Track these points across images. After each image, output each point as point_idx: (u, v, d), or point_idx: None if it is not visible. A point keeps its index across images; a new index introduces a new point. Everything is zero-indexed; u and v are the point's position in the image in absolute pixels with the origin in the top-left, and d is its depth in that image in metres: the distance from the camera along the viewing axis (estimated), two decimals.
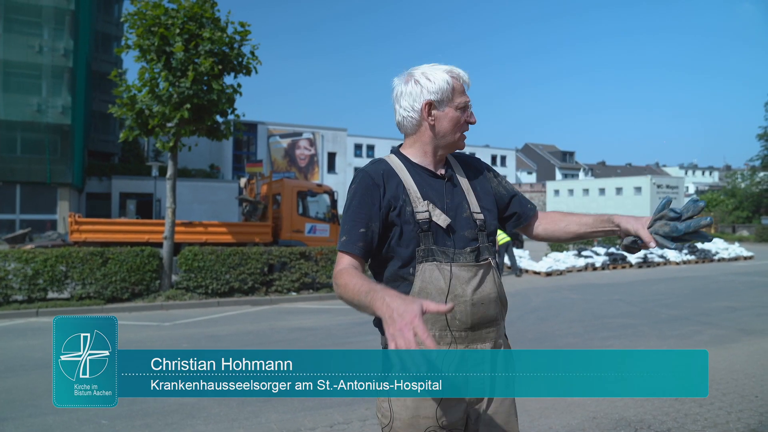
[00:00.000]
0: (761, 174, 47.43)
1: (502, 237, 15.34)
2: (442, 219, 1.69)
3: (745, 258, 20.98)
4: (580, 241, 20.16)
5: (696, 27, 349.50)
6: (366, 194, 1.69)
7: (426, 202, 1.70)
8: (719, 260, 20.13)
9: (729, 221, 44.05)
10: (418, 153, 1.78)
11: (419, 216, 1.67)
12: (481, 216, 1.76)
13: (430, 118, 1.72)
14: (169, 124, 10.26)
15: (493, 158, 73.41)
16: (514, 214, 1.90)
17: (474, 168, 1.88)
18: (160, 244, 11.40)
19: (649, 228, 1.63)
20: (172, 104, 9.92)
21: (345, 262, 1.64)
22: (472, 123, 1.77)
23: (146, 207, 29.90)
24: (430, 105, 1.71)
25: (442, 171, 1.79)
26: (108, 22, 34.43)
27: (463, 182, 1.81)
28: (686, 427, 4.05)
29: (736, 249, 21.32)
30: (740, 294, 11.51)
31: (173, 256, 10.79)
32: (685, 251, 19.72)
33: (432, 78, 1.71)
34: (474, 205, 1.77)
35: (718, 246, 21.44)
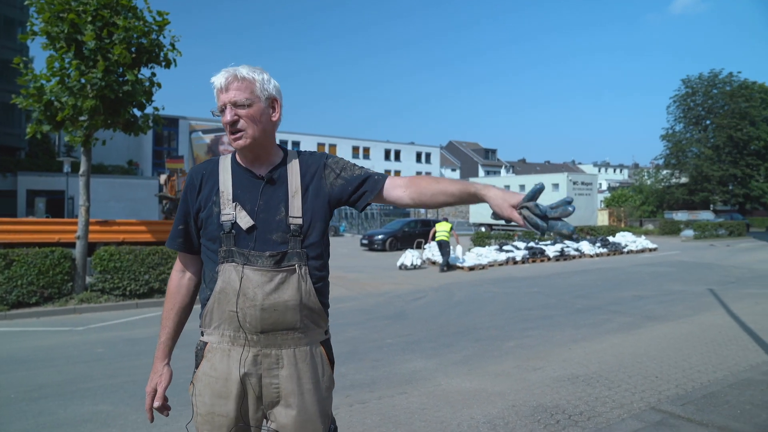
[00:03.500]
0: (664, 172, 51.06)
1: (440, 234, 15.69)
2: (244, 221, 1.69)
3: (651, 250, 22.55)
4: (499, 235, 20.88)
5: (607, 33, 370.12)
6: (186, 193, 1.84)
7: (234, 204, 1.71)
8: (628, 252, 21.52)
9: (636, 216, 47.13)
10: (242, 155, 1.79)
11: (223, 218, 1.71)
12: (299, 221, 1.71)
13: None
14: (81, 118, 9.67)
15: (418, 155, 74.67)
16: (364, 193, 1.79)
17: (312, 168, 1.80)
18: (72, 245, 10.73)
19: (520, 209, 1.56)
20: (84, 95, 9.36)
21: (176, 266, 1.89)
22: (226, 122, 1.69)
23: (57, 205, 28.05)
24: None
25: (263, 172, 1.76)
26: (10, 5, 31.92)
27: (292, 184, 1.75)
28: (596, 410, 4.31)
29: (642, 242, 22.89)
30: (646, 283, 12.36)
31: (87, 256, 10.20)
32: (598, 244, 20.92)
33: None
34: (294, 209, 1.72)
35: (627, 239, 22.93)
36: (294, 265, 1.68)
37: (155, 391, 1.80)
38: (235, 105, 1.67)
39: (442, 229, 15.88)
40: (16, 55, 12.52)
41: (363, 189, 1.79)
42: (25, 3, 9.65)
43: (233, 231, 1.69)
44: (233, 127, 1.68)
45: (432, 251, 17.40)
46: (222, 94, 1.69)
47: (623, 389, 4.83)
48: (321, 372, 1.76)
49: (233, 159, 1.82)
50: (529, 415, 4.22)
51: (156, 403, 1.80)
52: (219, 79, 1.69)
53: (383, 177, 1.81)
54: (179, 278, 1.87)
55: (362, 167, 1.85)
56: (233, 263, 1.68)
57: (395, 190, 1.77)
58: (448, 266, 15.75)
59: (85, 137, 9.99)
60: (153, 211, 27.47)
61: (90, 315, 9.08)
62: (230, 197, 1.73)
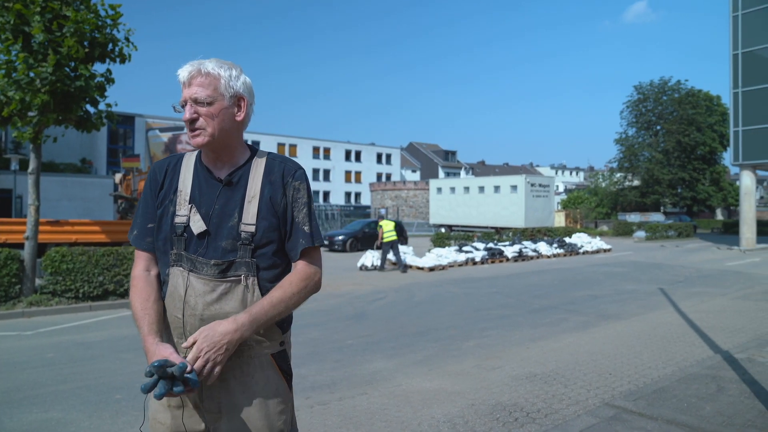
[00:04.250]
0: (618, 175, 52.75)
1: (388, 235, 15.70)
2: (197, 226, 1.61)
3: (605, 250, 23.23)
4: (459, 239, 21.10)
5: (563, 37, 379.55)
6: (148, 187, 1.75)
7: (190, 205, 1.64)
8: (584, 253, 22.11)
9: (592, 217, 48.54)
10: (204, 153, 1.72)
11: (177, 219, 1.63)
12: (252, 229, 1.61)
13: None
14: (30, 113, 9.30)
15: (379, 156, 74.87)
16: (289, 250, 1.70)
17: (277, 177, 1.68)
18: (20, 245, 10.31)
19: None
20: (33, 90, 8.99)
21: (139, 265, 1.72)
22: (185, 119, 1.61)
23: (4, 204, 26.89)
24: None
25: (223, 174, 1.68)
26: None
27: (251, 189, 1.65)
28: (553, 407, 4.42)
29: (597, 242, 23.57)
30: (600, 283, 12.73)
31: (37, 257, 9.81)
32: (554, 245, 21.41)
33: None
34: (249, 216, 1.62)
35: (582, 240, 23.57)
36: (240, 275, 1.59)
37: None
38: (196, 102, 1.59)
39: (389, 229, 15.84)
40: None
41: (289, 244, 1.68)
42: None
43: (185, 234, 1.61)
44: (192, 125, 1.61)
45: (374, 255, 16.56)
46: (184, 89, 1.62)
47: (579, 386, 4.97)
48: (271, 384, 1.64)
49: (198, 156, 1.74)
50: (488, 414, 4.29)
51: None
52: (183, 73, 1.62)
53: (306, 241, 1.67)
54: (146, 276, 1.70)
55: (308, 214, 1.71)
56: (180, 268, 1.61)
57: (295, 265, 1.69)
58: (406, 267, 15.79)
59: (35, 134, 9.61)
60: (107, 211, 26.63)
61: (40, 318, 8.74)
62: (187, 198, 1.65)
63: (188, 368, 1.44)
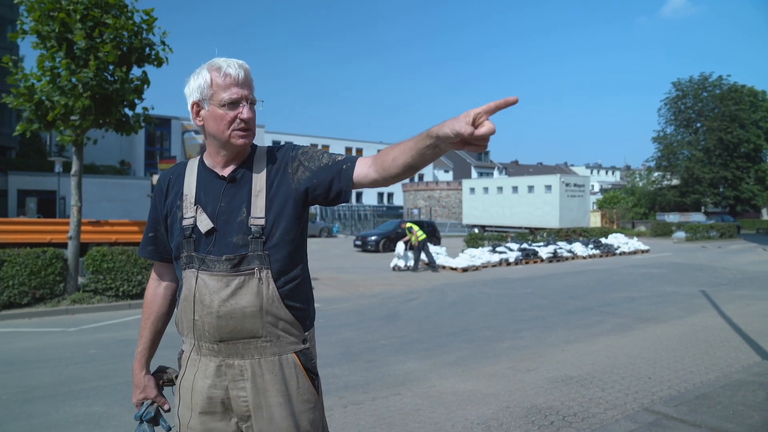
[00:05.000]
0: (656, 174, 51.44)
1: (419, 234, 15.71)
2: (204, 224, 1.61)
3: (643, 251, 22.68)
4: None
5: (600, 34, 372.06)
6: (155, 198, 1.79)
7: (195, 207, 1.64)
8: (620, 254, 21.63)
9: (629, 217, 47.41)
10: (209, 154, 1.70)
11: (185, 222, 1.64)
12: (261, 222, 1.59)
13: (198, 119, 1.65)
14: (72, 117, 9.61)
15: None
16: (339, 192, 1.62)
17: (279, 163, 1.67)
18: (64, 245, 10.66)
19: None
20: (75, 95, 9.30)
21: (151, 276, 1.84)
22: (244, 119, 1.59)
23: (49, 205, 27.87)
24: (196, 105, 1.63)
25: (227, 172, 1.66)
26: (1, 4, 31.68)
27: (257, 183, 1.63)
28: (590, 411, 4.33)
29: (634, 243, 23.01)
30: (638, 285, 12.43)
31: (79, 257, 10.14)
32: (590, 246, 21.01)
33: (194, 77, 1.63)
34: (257, 209, 1.60)
35: (619, 241, 23.05)
36: (254, 268, 1.57)
37: (142, 403, 1.79)
38: (252, 103, 1.62)
39: (419, 229, 16.03)
40: (5, 53, 12.46)
41: (336, 188, 1.61)
42: (15, 1, 9.58)
43: (193, 235, 1.61)
44: (247, 125, 1.60)
45: (406, 255, 16.37)
46: (237, 87, 1.59)
47: (617, 390, 4.86)
48: (295, 384, 1.62)
49: (200, 160, 1.73)
50: (522, 416, 4.24)
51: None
52: (238, 71, 1.60)
53: (352, 164, 1.61)
54: (155, 287, 1.81)
55: (331, 154, 1.66)
56: (192, 269, 1.61)
57: (363, 169, 1.58)
58: (437, 267, 15.82)
59: (77, 137, 9.93)
60: (145, 211, 27.30)
61: (82, 316, 9.02)
62: (192, 200, 1.65)
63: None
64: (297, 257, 1.66)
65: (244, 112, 1.59)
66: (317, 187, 1.62)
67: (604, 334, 7.29)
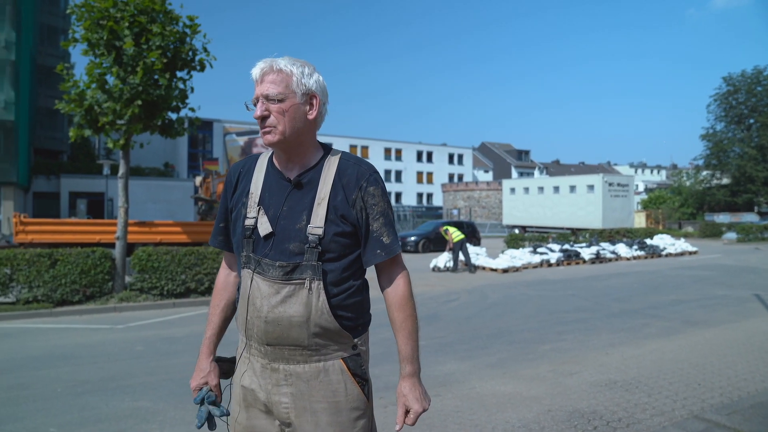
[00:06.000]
0: (704, 173, 49.61)
1: (456, 234, 15.61)
2: (263, 228, 1.60)
3: (690, 253, 21.90)
4: (535, 240, 20.61)
5: (645, 30, 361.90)
6: (224, 190, 1.80)
7: (258, 207, 1.63)
8: (666, 255, 20.95)
9: (675, 218, 45.90)
10: (275, 153, 1.70)
11: (247, 222, 1.64)
12: (320, 231, 1.56)
13: None
14: (119, 121, 9.96)
15: (450, 157, 74.36)
16: (367, 259, 1.67)
17: (349, 180, 1.63)
18: (112, 245, 11.05)
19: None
20: (123, 100, 9.63)
21: (223, 264, 1.86)
22: (255, 117, 1.60)
23: (97, 206, 28.94)
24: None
25: (293, 175, 1.65)
26: (53, 14, 33.06)
27: (321, 191, 1.61)
28: (635, 416, 4.20)
29: (682, 244, 22.24)
30: (686, 287, 12.01)
31: (126, 256, 10.48)
32: (634, 247, 20.44)
33: None
34: (317, 218, 1.57)
35: (665, 242, 22.32)
36: (305, 278, 1.55)
37: (201, 388, 1.77)
38: (267, 98, 1.57)
39: (455, 231, 15.91)
40: (59, 62, 13.00)
41: (366, 255, 1.65)
42: (68, 12, 9.99)
43: (253, 236, 1.62)
44: (263, 122, 1.59)
45: (448, 257, 16.28)
46: (257, 86, 1.60)
47: (664, 396, 4.70)
48: (342, 390, 1.60)
49: (270, 158, 1.73)
50: (565, 420, 4.14)
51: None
52: (255, 70, 1.61)
53: (386, 253, 1.65)
54: (225, 275, 1.83)
55: (385, 223, 1.66)
56: (249, 270, 1.62)
57: (381, 276, 1.70)
58: (475, 267, 15.69)
59: (125, 141, 10.28)
60: (188, 212, 28.09)
61: (129, 314, 9.31)
62: (257, 200, 1.65)
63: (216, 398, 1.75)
64: (352, 268, 1.64)
65: (257, 110, 1.60)
66: (352, 235, 1.64)
67: (650, 337, 7.07)
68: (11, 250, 9.46)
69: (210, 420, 1.72)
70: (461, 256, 16.13)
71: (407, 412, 1.64)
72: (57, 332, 7.85)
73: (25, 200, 28.14)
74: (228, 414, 1.73)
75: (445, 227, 16.33)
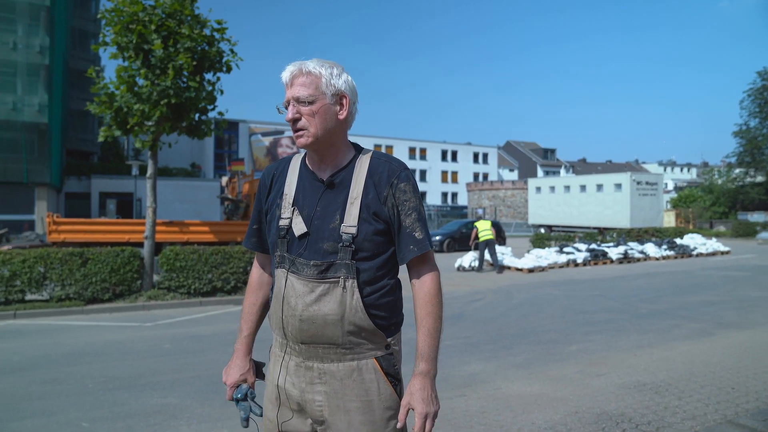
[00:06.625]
0: (737, 170, 48.36)
1: (484, 234, 15.44)
2: (298, 228, 1.62)
3: (722, 253, 21.36)
4: (562, 239, 20.36)
5: (674, 26, 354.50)
6: (258, 192, 1.83)
7: (293, 208, 1.66)
8: (697, 255, 20.47)
9: (706, 217, 44.84)
10: (308, 154, 1.73)
11: (281, 222, 1.66)
12: (353, 231, 1.58)
13: None
14: (148, 123, 10.14)
15: (475, 156, 73.89)
16: (401, 256, 1.67)
17: (380, 179, 1.64)
18: (140, 244, 11.26)
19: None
20: (151, 102, 9.81)
21: (255, 265, 1.90)
22: (287, 120, 1.63)
23: (126, 206, 29.56)
24: None
25: (326, 175, 1.67)
26: (85, 19, 33.87)
27: (353, 191, 1.62)
28: (665, 420, 4.11)
29: (713, 244, 21.70)
30: (718, 288, 11.72)
31: (154, 255, 10.67)
32: (664, 247, 20.02)
33: None
34: (351, 218, 1.59)
35: (696, 241, 21.80)
36: (339, 277, 1.57)
37: (237, 385, 1.80)
38: (298, 101, 1.59)
39: (484, 228, 15.54)
40: (90, 65, 13.31)
41: (401, 252, 1.65)
42: (98, 16, 10.22)
43: (288, 236, 1.64)
44: (295, 125, 1.61)
45: (473, 257, 16.29)
46: (287, 90, 1.62)
47: (695, 400, 4.59)
48: (375, 389, 1.61)
49: (303, 159, 1.76)
50: (592, 423, 4.08)
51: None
52: (285, 74, 1.63)
53: (419, 248, 1.63)
54: (259, 275, 1.87)
55: (417, 218, 1.65)
56: (283, 269, 1.64)
57: (411, 272, 1.68)
58: (501, 267, 15.47)
59: (153, 141, 10.46)
60: (215, 212, 28.45)
61: (157, 312, 9.48)
62: (291, 201, 1.67)
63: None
64: (386, 267, 1.65)
65: (288, 113, 1.62)
66: (385, 233, 1.64)
67: (680, 339, 6.92)
68: (45, 249, 9.71)
69: (245, 418, 1.74)
70: (487, 256, 15.99)
71: (409, 411, 1.62)
72: (88, 329, 8.03)
73: (57, 200, 28.87)
74: (261, 414, 1.75)
75: (478, 222, 16.02)
